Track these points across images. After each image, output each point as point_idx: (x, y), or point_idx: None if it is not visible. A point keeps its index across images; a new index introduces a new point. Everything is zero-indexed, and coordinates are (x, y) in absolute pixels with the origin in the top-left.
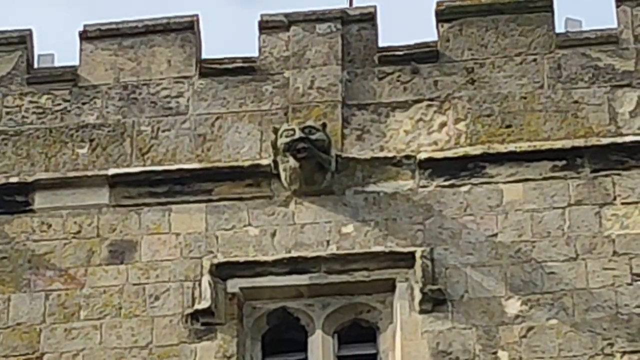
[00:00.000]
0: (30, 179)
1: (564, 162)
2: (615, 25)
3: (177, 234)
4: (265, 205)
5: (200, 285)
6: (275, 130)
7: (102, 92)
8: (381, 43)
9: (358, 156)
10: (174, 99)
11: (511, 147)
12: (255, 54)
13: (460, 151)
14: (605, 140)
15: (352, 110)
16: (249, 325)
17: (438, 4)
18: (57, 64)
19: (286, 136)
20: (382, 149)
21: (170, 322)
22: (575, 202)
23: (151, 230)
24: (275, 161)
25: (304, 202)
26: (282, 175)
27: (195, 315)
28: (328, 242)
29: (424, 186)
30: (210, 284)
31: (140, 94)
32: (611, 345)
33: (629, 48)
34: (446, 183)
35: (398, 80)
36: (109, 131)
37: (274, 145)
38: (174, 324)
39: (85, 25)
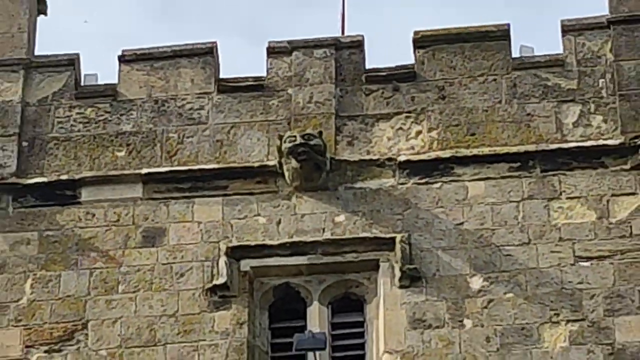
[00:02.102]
0: (77, 177)
1: (518, 163)
2: (561, 51)
3: (199, 222)
4: (271, 199)
5: (217, 264)
6: (280, 137)
7: (137, 105)
8: (368, 65)
9: (348, 158)
10: (196, 111)
11: (475, 151)
12: (264, 74)
13: (432, 155)
14: (552, 146)
15: (344, 121)
16: (258, 298)
17: (415, 33)
18: (99, 82)
19: (289, 142)
20: (368, 152)
21: (193, 295)
22: (528, 196)
23: (177, 219)
24: (280, 162)
25: (303, 196)
26: (286, 174)
27: (213, 289)
28: (323, 229)
29: (402, 183)
30: (226, 264)
31: (168, 106)
32: (557, 314)
33: (573, 70)
34: (421, 181)
35: (381, 96)
36: (142, 137)
37: (279, 149)
38: (196, 296)
39: (123, 50)
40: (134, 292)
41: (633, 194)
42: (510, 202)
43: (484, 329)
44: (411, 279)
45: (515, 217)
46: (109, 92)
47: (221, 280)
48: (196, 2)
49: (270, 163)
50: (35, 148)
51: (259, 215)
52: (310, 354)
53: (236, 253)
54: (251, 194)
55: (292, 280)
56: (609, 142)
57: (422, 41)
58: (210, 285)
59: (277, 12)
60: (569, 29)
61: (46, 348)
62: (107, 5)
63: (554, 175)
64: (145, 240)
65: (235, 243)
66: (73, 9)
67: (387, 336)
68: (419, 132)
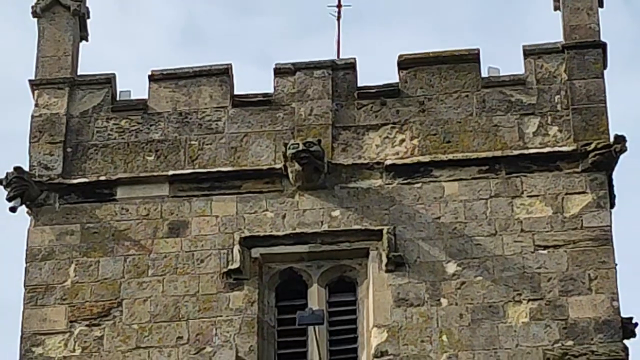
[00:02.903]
0: (113, 178)
1: (486, 167)
2: (523, 72)
3: (216, 216)
4: (277, 197)
5: (232, 252)
6: (285, 144)
7: (164, 117)
8: (359, 84)
9: (343, 162)
10: (214, 122)
11: (450, 156)
12: (271, 91)
13: (414, 159)
14: (515, 152)
15: (339, 131)
16: (266, 280)
17: (399, 57)
18: (132, 97)
19: (293, 148)
20: (359, 157)
21: (211, 278)
22: (495, 195)
23: (198, 213)
24: (285, 166)
25: (305, 194)
26: (290, 175)
27: (229, 273)
28: (322, 222)
29: (388, 183)
30: (239, 251)
31: (190, 118)
32: (519, 294)
33: (533, 88)
34: (404, 181)
35: (371, 110)
36: (168, 144)
37: (284, 154)
38: (214, 279)
39: (152, 71)
40: (161, 275)
41: (584, 192)
42: (480, 199)
43: (457, 307)
44: (396, 264)
45: (484, 212)
46: (140, 106)
47: (235, 265)
48: (212, 32)
49: (277, 166)
50: (77, 153)
51: (267, 210)
52: (310, 328)
53: (248, 242)
54: (260, 192)
55: (295, 265)
56: (563, 148)
57: (405, 63)
58: (225, 269)
59: (282, 39)
60: (530, 52)
61: (87, 322)
62: (138, 34)
63: (516, 177)
64: (171, 232)
65: (247, 234)
66: (110, 36)
67: (375, 313)
68: (402, 140)
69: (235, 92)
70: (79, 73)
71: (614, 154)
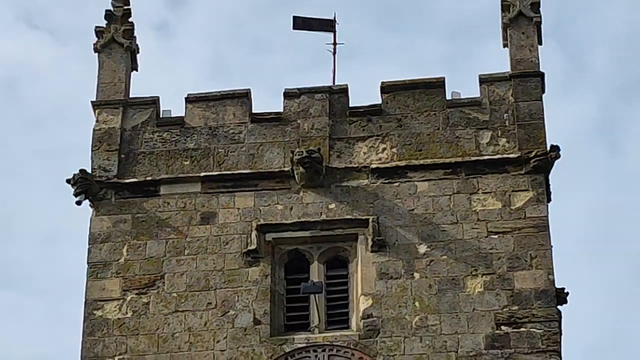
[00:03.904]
0: (157, 178)
1: (450, 170)
2: (479, 95)
3: (238, 208)
4: (286, 193)
5: (250, 236)
6: (292, 152)
7: (197, 130)
8: (351, 104)
9: (337, 166)
10: (237, 134)
11: (421, 162)
12: (281, 110)
13: (393, 164)
14: (473, 158)
15: (335, 141)
16: (277, 258)
17: (382, 83)
18: (172, 115)
19: (298, 155)
20: (350, 162)
21: (234, 256)
22: (457, 192)
23: (224, 206)
24: (292, 169)
25: (307, 191)
26: (296, 176)
27: (248, 253)
28: (321, 213)
29: (373, 183)
30: (256, 236)
31: (218, 131)
32: (476, 270)
33: (486, 108)
34: (386, 181)
35: (359, 125)
36: (200, 152)
37: (292, 160)
38: (236, 257)
39: (188, 94)
40: (194, 254)
41: (526, 190)
42: (445, 195)
43: (427, 280)
44: (379, 246)
45: (448, 205)
46: (178, 122)
47: (253, 246)
48: (235, 65)
49: (286, 169)
50: (129, 159)
51: (278, 204)
52: (312, 296)
53: (263, 228)
54: (273, 189)
55: (299, 246)
56: (510, 155)
57: (386, 88)
58: (245, 250)
59: (289, 70)
60: (484, 80)
61: (136, 291)
62: (177, 66)
63: (473, 177)
64: (202, 220)
65: (262, 222)
66: (155, 67)
67: (363, 284)
68: (384, 149)
69: (253, 111)
70: (130, 96)
71: (550, 160)
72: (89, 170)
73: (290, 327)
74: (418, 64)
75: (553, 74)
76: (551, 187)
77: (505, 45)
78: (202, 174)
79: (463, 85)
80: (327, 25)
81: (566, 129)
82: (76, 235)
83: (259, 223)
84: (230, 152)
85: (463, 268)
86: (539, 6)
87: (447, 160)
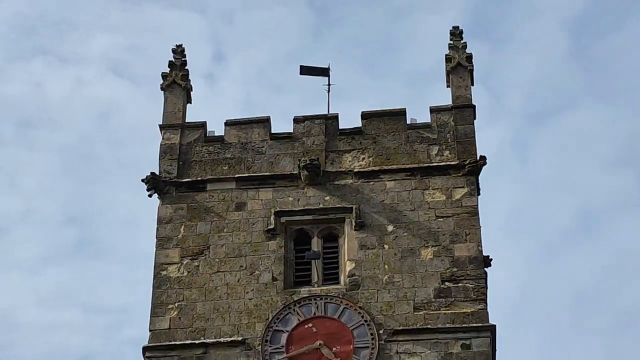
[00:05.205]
0: (205, 178)
1: (409, 173)
2: (429, 121)
3: (262, 200)
4: (295, 189)
5: (270, 219)
6: (299, 160)
7: (233, 145)
8: (340, 127)
9: (331, 170)
10: (260, 148)
11: (390, 167)
12: (292, 131)
13: (369, 169)
14: (425, 165)
15: (329, 153)
16: (289, 234)
17: (362, 112)
18: (215, 134)
19: (303, 163)
20: (340, 167)
21: (258, 233)
22: (414, 188)
23: (251, 198)
24: (299, 172)
25: (310, 188)
26: (302, 177)
27: (268, 231)
28: (319, 203)
29: (356, 182)
30: (274, 219)
31: (247, 146)
32: (427, 243)
33: (435, 130)
34: (365, 181)
35: (346, 141)
36: (235, 160)
37: (299, 166)
38: (260, 234)
39: (227, 120)
40: (231, 232)
41: (462, 187)
42: (406, 190)
43: (393, 249)
44: (360, 226)
45: (408, 198)
46: (219, 139)
47: (271, 226)
48: (259, 102)
49: (295, 172)
50: (185, 165)
51: (289, 196)
52: (313, 261)
53: (279, 214)
54: (286, 187)
55: (304, 226)
56: (452, 163)
57: (365, 115)
58: (266, 229)
59: (296, 104)
60: (434, 110)
61: (190, 258)
62: (219, 101)
63: (426, 178)
64: (237, 208)
65: (278, 209)
66: (203, 102)
67: (348, 253)
68: (364, 158)
69: (272, 132)
70: (186, 121)
71: (480, 166)
72: (157, 173)
73: (297, 283)
74: (387, 98)
75: (481, 106)
76: (480, 185)
77: (448, 86)
78: (236, 175)
79: (419, 114)
80: (324, 72)
81: (491, 144)
82: (148, 219)
83: (276, 210)
84: (256, 160)
85: (419, 242)
86: (472, 59)
87: (408, 166)
